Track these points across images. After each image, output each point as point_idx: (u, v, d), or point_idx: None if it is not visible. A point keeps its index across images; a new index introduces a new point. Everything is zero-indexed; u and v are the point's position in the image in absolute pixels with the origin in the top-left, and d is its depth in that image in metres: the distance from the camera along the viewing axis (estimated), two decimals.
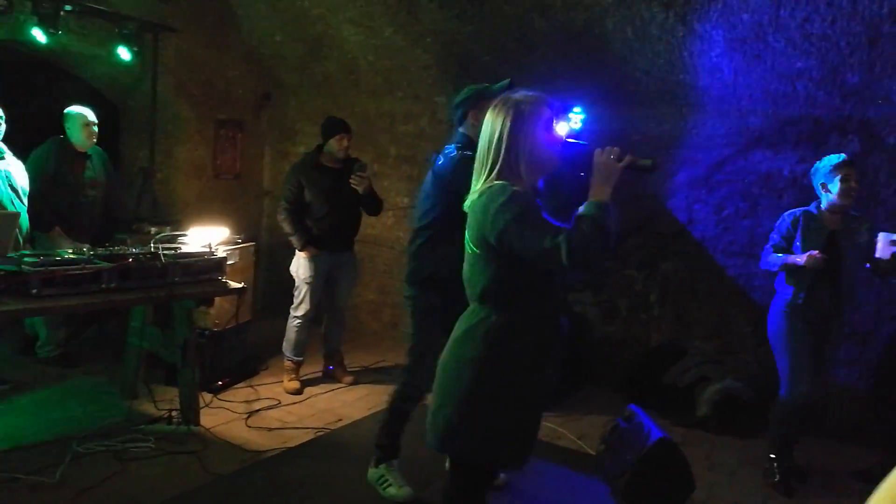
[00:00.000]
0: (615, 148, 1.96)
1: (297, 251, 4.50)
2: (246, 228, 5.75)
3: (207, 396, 4.13)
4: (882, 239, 3.23)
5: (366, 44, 5.46)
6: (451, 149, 2.98)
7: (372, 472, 3.26)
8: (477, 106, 2.90)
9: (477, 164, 2.01)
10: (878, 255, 3.23)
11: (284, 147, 6.47)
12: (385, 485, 3.19)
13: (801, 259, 3.33)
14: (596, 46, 4.45)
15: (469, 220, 1.97)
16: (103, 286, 3.16)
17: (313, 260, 4.44)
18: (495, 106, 1.99)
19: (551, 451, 3.80)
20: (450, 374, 1.97)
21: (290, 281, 4.60)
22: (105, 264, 3.20)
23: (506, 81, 2.82)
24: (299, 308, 4.52)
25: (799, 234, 3.45)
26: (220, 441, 3.63)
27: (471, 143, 2.93)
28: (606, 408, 4.44)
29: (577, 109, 4.18)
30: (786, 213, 3.57)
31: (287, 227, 4.46)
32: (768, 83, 4.11)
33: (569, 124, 4.16)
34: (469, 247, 1.99)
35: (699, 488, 3.21)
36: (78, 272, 3.08)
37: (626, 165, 1.95)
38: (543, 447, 3.85)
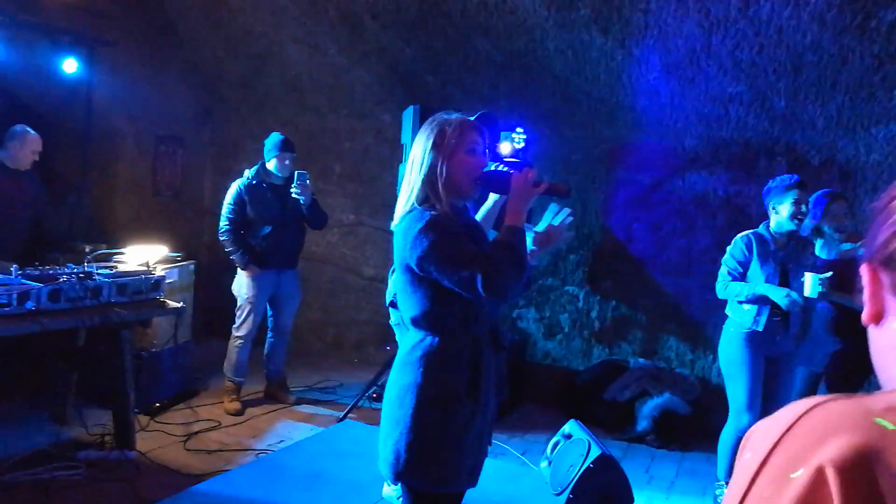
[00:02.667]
0: (532, 170, 1.96)
1: (239, 270, 4.43)
2: (186, 247, 5.62)
3: (144, 419, 4.01)
4: (809, 279, 3.19)
5: (309, 62, 5.45)
6: None
7: (389, 491, 3.23)
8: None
9: (402, 187, 2.01)
10: (806, 294, 3.20)
11: (226, 164, 6.37)
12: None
13: (782, 300, 3.15)
14: (537, 68, 4.55)
15: (394, 244, 1.97)
16: (31, 307, 3.03)
17: (256, 279, 4.38)
18: (422, 128, 2.00)
19: (495, 468, 3.81)
20: (392, 401, 1.95)
21: (232, 300, 4.52)
22: (34, 284, 3.08)
23: (479, 113, 2.74)
24: (241, 328, 4.44)
25: (754, 257, 3.31)
26: (156, 465, 3.52)
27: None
28: (548, 424, 4.48)
29: (519, 130, 4.25)
30: (738, 237, 3.39)
31: (229, 246, 4.38)
32: (702, 106, 4.27)
33: (511, 144, 4.22)
34: (396, 272, 1.98)
35: (638, 501, 3.27)
36: (3, 293, 2.95)
37: (542, 191, 1.95)
38: (486, 464, 3.85)
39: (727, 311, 3.46)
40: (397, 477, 1.92)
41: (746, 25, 3.65)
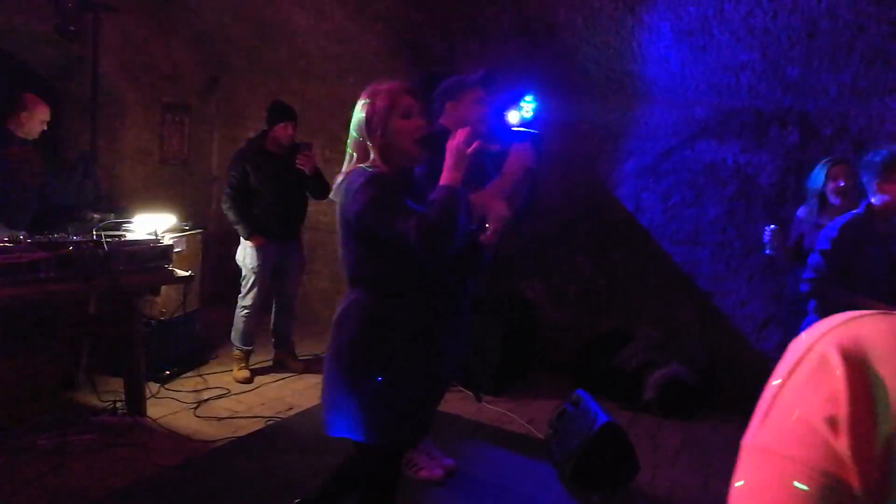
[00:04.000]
0: (467, 130, 2.05)
1: (242, 240, 4.43)
2: (194, 215, 5.63)
3: (154, 387, 4.06)
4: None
5: (316, 29, 5.38)
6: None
7: None
8: (455, 97, 2.84)
9: (348, 149, 2.12)
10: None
11: (234, 132, 6.34)
12: (415, 468, 3.23)
13: None
14: (547, 36, 4.48)
15: (337, 202, 2.07)
16: (41, 275, 3.05)
17: (259, 248, 4.38)
18: (362, 96, 2.10)
19: (501, 436, 3.85)
20: (331, 357, 2.04)
21: (240, 269, 4.54)
22: (43, 252, 3.10)
23: (481, 72, 2.83)
24: (247, 297, 4.47)
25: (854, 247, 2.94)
26: (167, 432, 3.57)
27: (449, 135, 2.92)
28: (555, 392, 4.52)
29: (528, 98, 4.20)
30: (836, 222, 3.02)
31: (232, 216, 4.38)
32: (713, 75, 4.21)
33: (520, 113, 4.18)
34: (338, 229, 2.09)
35: (643, 469, 3.31)
36: (14, 261, 2.97)
37: (474, 151, 2.04)
38: (493, 432, 3.90)
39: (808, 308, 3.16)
40: (338, 431, 2.03)
41: None
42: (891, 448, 0.49)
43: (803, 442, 0.52)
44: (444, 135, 2.11)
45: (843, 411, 0.50)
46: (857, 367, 0.52)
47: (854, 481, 0.49)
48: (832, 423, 0.51)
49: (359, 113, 2.08)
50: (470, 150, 2.02)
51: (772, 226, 3.50)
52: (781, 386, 0.57)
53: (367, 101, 2.07)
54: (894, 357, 0.51)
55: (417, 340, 2.02)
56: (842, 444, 0.50)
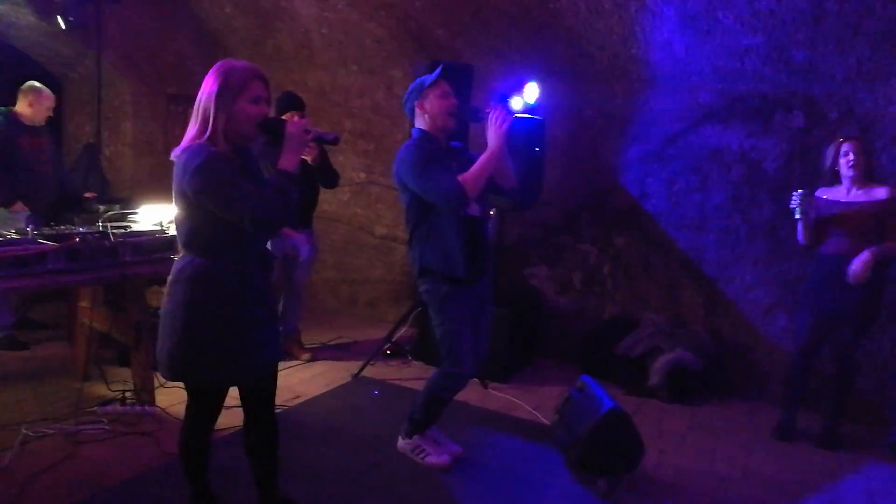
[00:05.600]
0: (305, 120, 2.26)
1: None
2: None
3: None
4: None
5: (318, 17, 5.37)
6: (406, 144, 3.05)
7: (404, 444, 3.32)
8: (420, 97, 3.02)
9: (191, 120, 2.20)
10: None
11: None
12: (423, 454, 3.24)
13: None
14: (550, 21, 4.46)
15: (174, 173, 2.17)
16: (50, 267, 3.07)
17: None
18: (211, 71, 2.20)
19: (507, 422, 3.87)
20: (167, 314, 2.26)
21: None
22: (51, 244, 3.11)
23: (438, 67, 3.02)
24: None
25: None
26: (176, 420, 3.58)
27: (425, 135, 2.99)
28: (561, 379, 4.53)
29: (532, 84, 4.19)
30: None
31: None
32: (717, 59, 4.18)
33: (523, 98, 4.17)
34: (174, 197, 2.20)
35: (649, 455, 3.33)
36: (21, 253, 2.99)
37: (312, 138, 2.26)
38: (499, 418, 3.92)
39: None
40: (172, 376, 2.28)
41: None
42: None
43: None
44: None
45: None
46: None
47: None
48: None
49: (208, 85, 2.15)
50: (309, 137, 2.23)
51: (800, 190, 3.61)
52: None
53: (221, 79, 2.14)
54: None
55: (241, 298, 2.23)
56: None
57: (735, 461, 3.58)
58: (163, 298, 2.30)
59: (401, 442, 3.34)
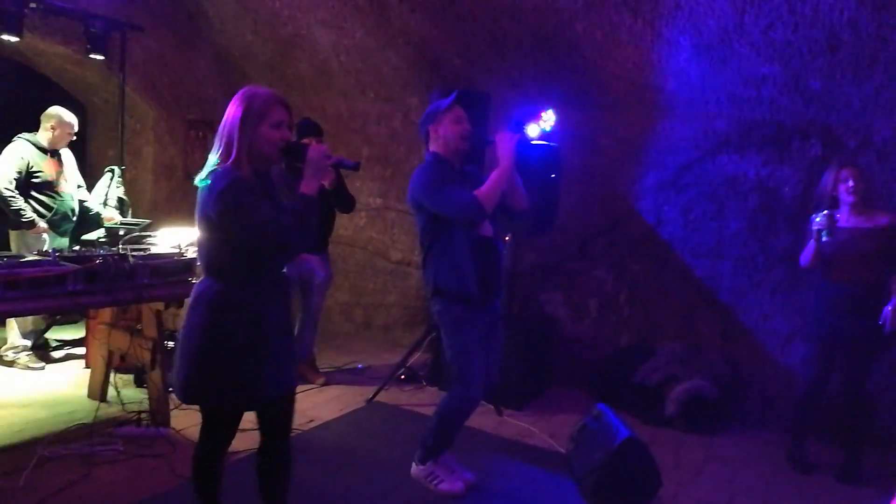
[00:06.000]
0: (325, 146, 2.27)
1: None
2: None
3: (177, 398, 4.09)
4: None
5: (337, 45, 5.46)
6: (420, 166, 3.13)
7: (417, 470, 3.29)
8: (436, 121, 3.09)
9: (214, 146, 2.23)
10: None
11: None
12: (436, 481, 3.22)
13: None
14: (566, 50, 4.50)
15: (199, 197, 2.20)
16: (69, 289, 3.11)
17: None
18: (235, 98, 2.22)
19: (522, 450, 3.84)
20: (186, 337, 2.27)
21: None
22: (71, 266, 3.16)
23: (453, 94, 3.09)
24: None
25: None
26: (191, 442, 3.58)
27: (439, 158, 3.07)
28: (576, 407, 4.49)
29: (548, 111, 4.22)
30: None
31: None
32: (734, 88, 4.19)
33: (540, 126, 4.20)
34: (197, 221, 2.23)
35: (666, 485, 3.28)
36: (42, 275, 3.03)
37: (333, 163, 2.30)
38: (514, 446, 3.89)
39: None
40: (187, 399, 2.28)
41: (781, 3, 3.57)
42: None
43: None
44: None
45: None
46: None
47: None
48: None
49: (233, 111, 2.19)
50: (330, 163, 2.25)
51: (825, 211, 3.53)
52: None
53: (244, 105, 2.18)
54: None
55: (256, 324, 2.24)
56: None
57: (755, 493, 3.52)
58: (180, 321, 2.32)
59: (414, 468, 3.32)
